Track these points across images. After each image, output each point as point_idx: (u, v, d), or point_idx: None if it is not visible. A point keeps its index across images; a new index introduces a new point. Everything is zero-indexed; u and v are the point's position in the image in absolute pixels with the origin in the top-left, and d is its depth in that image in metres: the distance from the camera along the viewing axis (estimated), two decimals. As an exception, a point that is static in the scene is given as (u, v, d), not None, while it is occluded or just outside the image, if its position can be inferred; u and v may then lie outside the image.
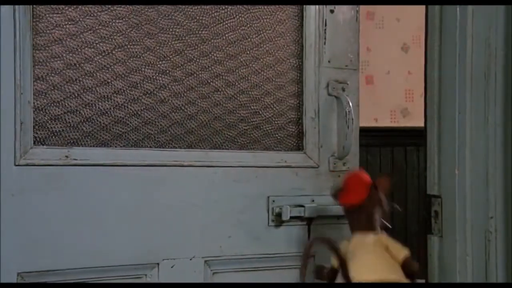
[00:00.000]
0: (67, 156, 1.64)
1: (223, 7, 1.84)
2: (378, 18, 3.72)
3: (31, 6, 1.60)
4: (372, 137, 3.41)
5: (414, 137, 3.22)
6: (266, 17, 1.90)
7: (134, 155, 1.72)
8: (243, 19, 1.87)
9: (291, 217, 1.87)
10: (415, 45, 3.73)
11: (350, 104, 1.92)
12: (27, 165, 1.59)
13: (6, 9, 1.56)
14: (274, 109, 1.92)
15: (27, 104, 1.59)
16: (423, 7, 1.50)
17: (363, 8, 3.68)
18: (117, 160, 1.70)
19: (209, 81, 1.83)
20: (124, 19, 1.72)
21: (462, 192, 1.28)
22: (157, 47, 1.76)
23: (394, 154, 3.57)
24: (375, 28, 3.70)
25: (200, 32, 1.82)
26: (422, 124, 1.47)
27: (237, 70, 1.87)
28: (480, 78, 1.27)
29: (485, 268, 1.24)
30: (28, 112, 1.60)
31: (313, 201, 1.92)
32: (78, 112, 1.68)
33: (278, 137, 1.93)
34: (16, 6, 1.57)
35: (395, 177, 3.54)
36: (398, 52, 3.73)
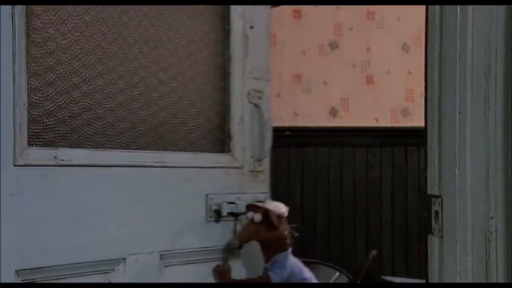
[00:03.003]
0: (55, 157, 1.69)
1: (154, 24, 1.99)
2: (378, 18, 3.71)
3: (25, 5, 1.61)
4: (373, 137, 3.41)
5: (415, 137, 3.22)
6: (193, 31, 2.10)
7: (108, 156, 1.83)
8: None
9: (226, 213, 2.12)
10: (415, 45, 3.73)
11: (268, 111, 2.19)
12: (25, 165, 1.62)
13: (5, 10, 1.56)
14: (204, 114, 2.14)
15: (23, 106, 1.61)
16: (423, 7, 1.50)
17: (363, 8, 3.65)
18: (95, 161, 1.80)
19: (150, 89, 2.00)
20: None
21: (462, 192, 1.27)
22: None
23: (395, 154, 3.57)
24: (375, 27, 3.70)
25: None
26: (422, 124, 1.47)
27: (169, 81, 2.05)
28: (480, 78, 1.27)
29: (486, 268, 1.24)
30: (24, 114, 1.62)
31: (238, 198, 2.15)
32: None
33: (211, 140, 2.15)
34: (16, 6, 1.57)
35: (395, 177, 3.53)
36: (398, 51, 3.73)
